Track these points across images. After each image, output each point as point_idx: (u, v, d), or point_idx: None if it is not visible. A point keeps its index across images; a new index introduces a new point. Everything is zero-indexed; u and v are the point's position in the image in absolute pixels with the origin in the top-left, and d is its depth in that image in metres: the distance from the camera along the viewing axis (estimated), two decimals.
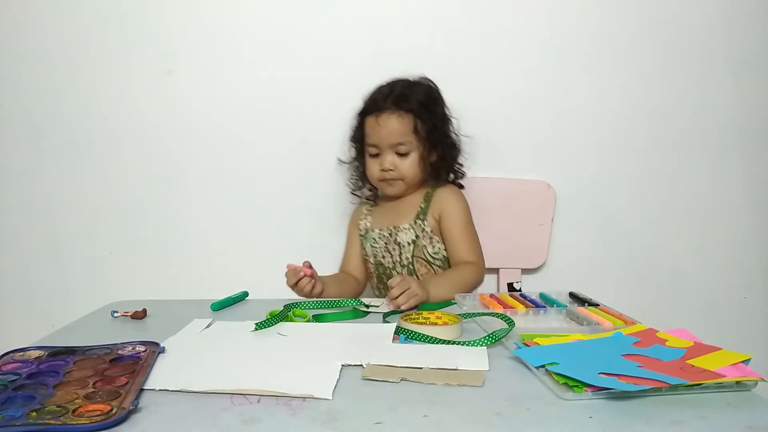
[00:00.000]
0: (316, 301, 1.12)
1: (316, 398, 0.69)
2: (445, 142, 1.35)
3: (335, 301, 1.12)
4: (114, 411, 0.64)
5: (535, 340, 0.85)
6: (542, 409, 0.66)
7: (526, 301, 1.10)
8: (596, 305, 1.07)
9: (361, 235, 1.40)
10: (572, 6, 1.51)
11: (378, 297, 1.36)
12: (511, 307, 1.06)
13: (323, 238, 1.56)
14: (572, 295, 1.15)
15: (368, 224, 1.39)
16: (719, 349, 0.79)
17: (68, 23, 1.51)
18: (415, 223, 1.33)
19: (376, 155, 1.32)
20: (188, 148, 1.55)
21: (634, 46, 1.52)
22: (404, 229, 1.34)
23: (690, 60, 1.53)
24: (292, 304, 1.07)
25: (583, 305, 1.08)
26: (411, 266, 1.33)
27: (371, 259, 1.38)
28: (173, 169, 1.56)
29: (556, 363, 0.74)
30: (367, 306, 1.09)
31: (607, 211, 1.58)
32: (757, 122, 1.56)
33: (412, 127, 1.29)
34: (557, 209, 1.55)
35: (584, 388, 0.68)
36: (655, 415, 0.64)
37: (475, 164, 1.50)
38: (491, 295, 1.15)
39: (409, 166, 1.31)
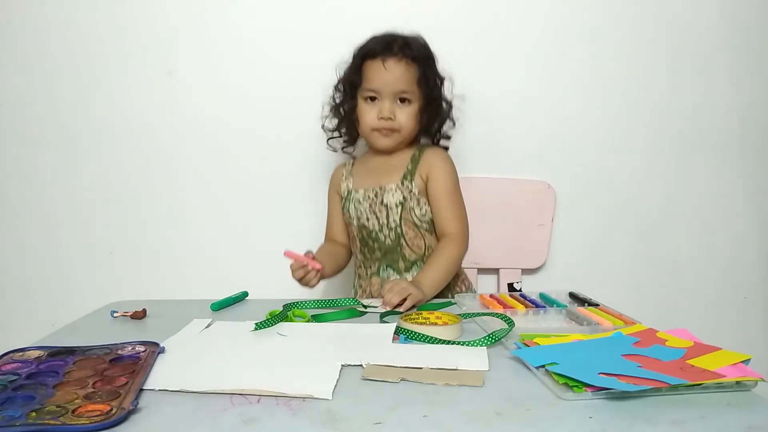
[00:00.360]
0: (316, 301, 1.12)
1: (316, 398, 0.69)
2: (438, 99, 1.32)
3: (334, 300, 1.12)
4: (114, 411, 0.64)
5: (535, 340, 0.85)
6: (542, 409, 0.66)
7: (526, 301, 1.10)
8: (596, 305, 1.07)
9: (342, 197, 1.36)
10: (572, 5, 1.51)
11: (363, 261, 1.33)
12: (511, 307, 1.06)
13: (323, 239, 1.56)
14: (572, 295, 1.15)
15: (350, 185, 1.34)
16: (719, 349, 0.79)
17: (68, 23, 1.51)
18: (402, 183, 1.28)
19: (374, 101, 1.27)
20: (188, 148, 1.55)
21: (635, 45, 1.52)
22: (390, 189, 1.28)
23: (690, 60, 1.53)
24: (292, 304, 1.07)
25: (583, 305, 1.08)
26: (399, 229, 1.28)
27: (354, 222, 1.32)
28: (173, 169, 1.56)
29: (555, 363, 0.74)
30: (366, 306, 1.09)
31: (607, 211, 1.58)
32: (757, 122, 1.56)
33: (417, 77, 1.26)
34: (557, 209, 1.55)
35: (584, 388, 0.68)
36: (655, 415, 0.64)
37: (475, 164, 1.50)
38: (491, 295, 1.15)
39: (407, 117, 1.26)
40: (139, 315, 1.06)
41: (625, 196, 1.58)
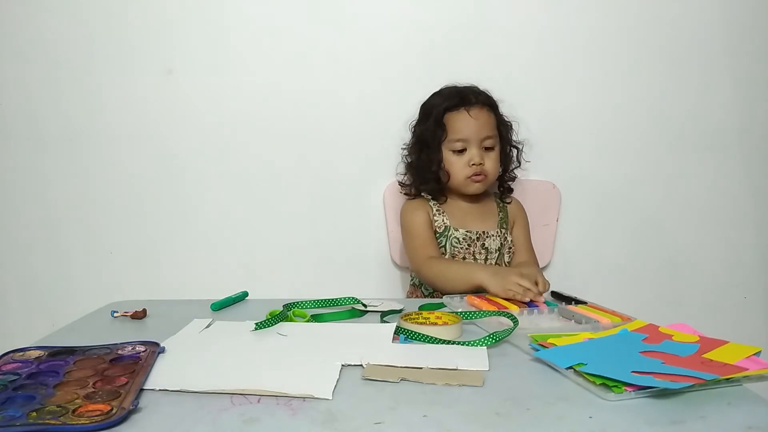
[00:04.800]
0: (316, 301, 1.11)
1: (316, 398, 0.69)
2: (510, 143, 1.41)
3: (334, 300, 1.12)
4: (114, 411, 0.64)
5: (549, 341, 0.83)
6: (542, 409, 0.66)
7: (517, 301, 1.09)
8: (583, 303, 1.07)
9: (437, 232, 1.36)
10: (575, 6, 1.51)
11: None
12: (503, 307, 1.05)
13: (323, 239, 1.56)
14: (554, 294, 1.15)
15: (446, 221, 1.36)
16: (727, 342, 0.79)
17: (68, 23, 1.51)
18: (500, 231, 1.37)
19: (461, 151, 1.32)
20: (188, 148, 1.55)
21: (639, 46, 1.53)
22: (492, 235, 1.36)
23: (692, 60, 1.53)
24: (292, 304, 1.07)
25: (570, 303, 1.08)
26: None
27: (446, 257, 1.35)
28: (173, 169, 1.56)
29: (583, 363, 0.73)
30: (365, 306, 1.09)
31: (611, 211, 1.58)
32: (758, 122, 1.56)
33: (496, 123, 1.35)
34: (562, 209, 1.55)
35: (623, 388, 0.67)
36: (655, 415, 0.64)
37: None
38: (479, 295, 1.13)
39: (493, 161, 1.34)
40: (139, 315, 1.06)
41: (629, 197, 1.58)
